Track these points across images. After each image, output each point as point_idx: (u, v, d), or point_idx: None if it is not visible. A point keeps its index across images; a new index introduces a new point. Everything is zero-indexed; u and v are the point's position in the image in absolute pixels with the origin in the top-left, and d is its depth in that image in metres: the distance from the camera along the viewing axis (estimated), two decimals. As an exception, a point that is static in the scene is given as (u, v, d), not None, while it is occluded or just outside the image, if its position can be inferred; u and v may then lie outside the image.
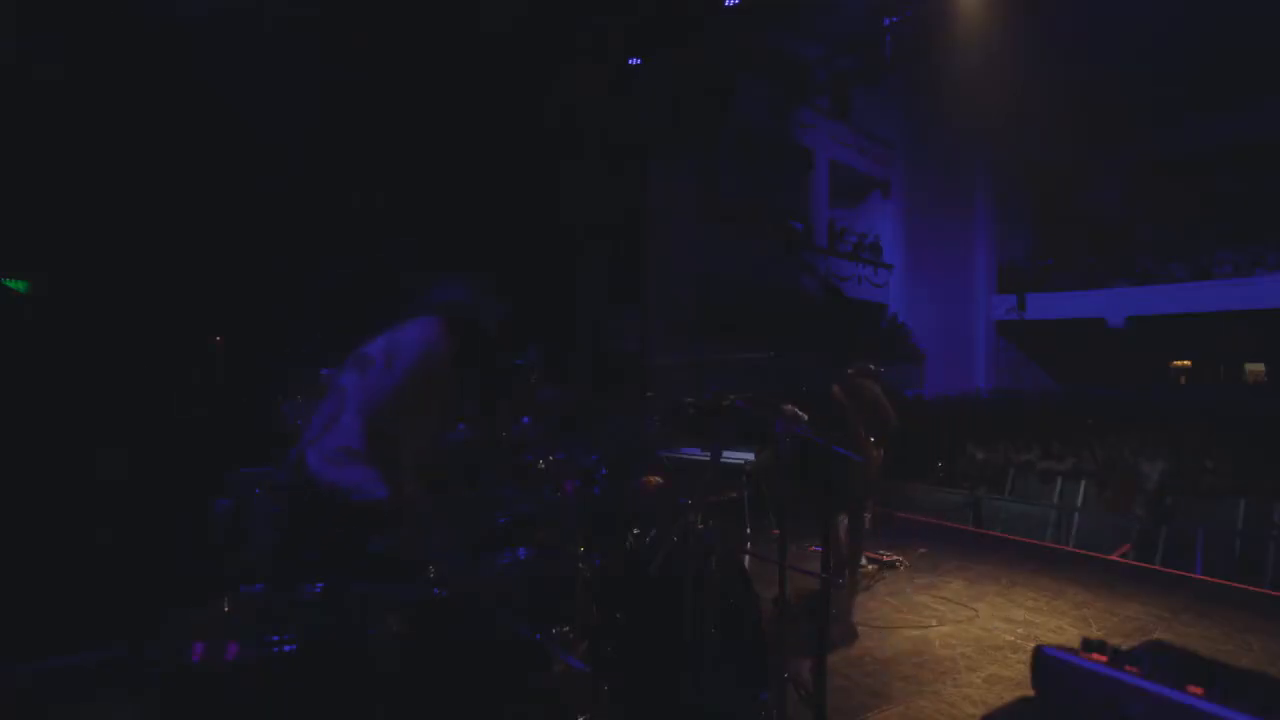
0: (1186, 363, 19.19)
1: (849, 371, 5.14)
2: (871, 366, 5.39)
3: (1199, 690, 2.54)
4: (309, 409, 2.25)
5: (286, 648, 1.69)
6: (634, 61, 7.60)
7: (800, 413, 3.55)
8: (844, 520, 4.68)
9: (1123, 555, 6.98)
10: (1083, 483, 8.86)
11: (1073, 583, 5.13)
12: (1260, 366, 18.20)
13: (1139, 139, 17.54)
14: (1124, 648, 2.93)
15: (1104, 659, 2.87)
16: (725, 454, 4.81)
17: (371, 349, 2.08)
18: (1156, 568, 6.45)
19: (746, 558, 3.77)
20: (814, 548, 5.07)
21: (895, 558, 5.54)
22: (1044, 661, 3.10)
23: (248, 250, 4.66)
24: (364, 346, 2.10)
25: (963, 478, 10.02)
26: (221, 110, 4.58)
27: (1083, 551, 6.75)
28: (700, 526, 2.52)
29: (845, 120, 16.60)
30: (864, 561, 5.38)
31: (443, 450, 2.61)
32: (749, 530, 4.64)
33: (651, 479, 3.01)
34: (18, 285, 4.28)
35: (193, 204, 4.57)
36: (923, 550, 5.94)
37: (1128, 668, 2.76)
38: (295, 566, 1.94)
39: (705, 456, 4.52)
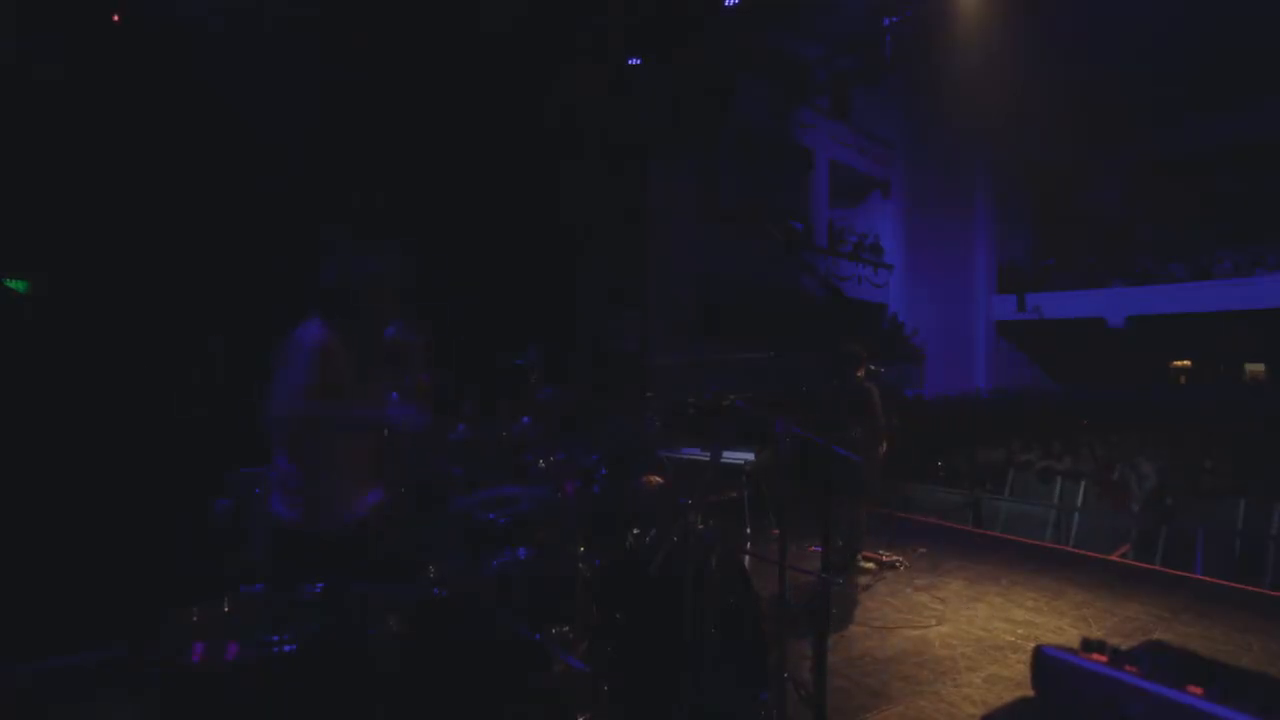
0: (1186, 363, 19.19)
1: (852, 371, 5.15)
2: (873, 366, 5.39)
3: (1199, 690, 2.54)
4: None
5: (286, 648, 1.69)
6: (634, 61, 7.60)
7: None
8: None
9: (1123, 555, 6.98)
10: (1083, 483, 8.87)
11: (1073, 583, 5.13)
12: (1260, 366, 18.19)
13: (1139, 139, 17.54)
14: (1124, 648, 2.93)
15: (1104, 659, 2.87)
16: (725, 454, 4.82)
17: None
18: (1156, 568, 6.45)
19: (746, 558, 3.78)
20: (814, 548, 5.08)
21: (895, 558, 5.53)
22: (1044, 661, 3.10)
23: (248, 250, 4.66)
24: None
25: (963, 478, 10.02)
26: (221, 110, 4.58)
27: (1082, 551, 6.75)
28: (700, 526, 2.52)
29: (845, 120, 16.61)
30: (861, 561, 5.38)
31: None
32: (749, 530, 4.65)
33: (651, 479, 3.01)
34: (18, 285, 4.28)
35: (192, 204, 4.57)
36: (923, 550, 5.94)
37: (1128, 668, 2.76)
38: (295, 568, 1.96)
39: (705, 456, 4.53)
